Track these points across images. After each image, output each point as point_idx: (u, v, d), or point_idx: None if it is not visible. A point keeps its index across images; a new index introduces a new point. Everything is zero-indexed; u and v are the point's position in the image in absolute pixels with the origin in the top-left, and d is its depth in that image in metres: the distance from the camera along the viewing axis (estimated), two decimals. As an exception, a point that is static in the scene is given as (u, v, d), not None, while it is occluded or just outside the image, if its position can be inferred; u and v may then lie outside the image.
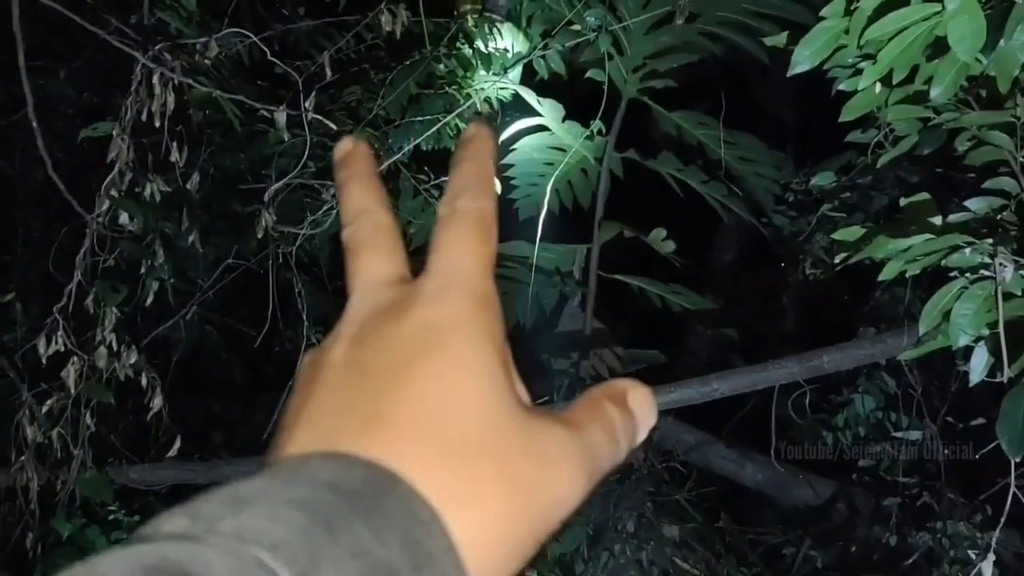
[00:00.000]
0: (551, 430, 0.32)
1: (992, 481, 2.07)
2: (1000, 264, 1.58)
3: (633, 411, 0.36)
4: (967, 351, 1.72)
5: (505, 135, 2.98)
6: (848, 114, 1.80)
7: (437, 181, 2.85)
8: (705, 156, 3.07)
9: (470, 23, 2.97)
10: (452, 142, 2.86)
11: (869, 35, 1.57)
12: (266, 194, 2.63)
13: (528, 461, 0.31)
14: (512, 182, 3.08)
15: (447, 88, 2.93)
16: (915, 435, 2.78)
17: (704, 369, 2.54)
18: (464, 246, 0.35)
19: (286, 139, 2.59)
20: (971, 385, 1.71)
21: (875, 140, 2.04)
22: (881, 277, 1.76)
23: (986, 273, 1.61)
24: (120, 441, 2.82)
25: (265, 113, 2.53)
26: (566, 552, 2.71)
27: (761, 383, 2.46)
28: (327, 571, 0.24)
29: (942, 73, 1.60)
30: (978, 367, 1.69)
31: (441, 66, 2.94)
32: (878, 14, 1.57)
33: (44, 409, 2.46)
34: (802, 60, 1.69)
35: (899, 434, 2.82)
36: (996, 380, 1.64)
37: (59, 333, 2.40)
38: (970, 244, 1.62)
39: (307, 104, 2.45)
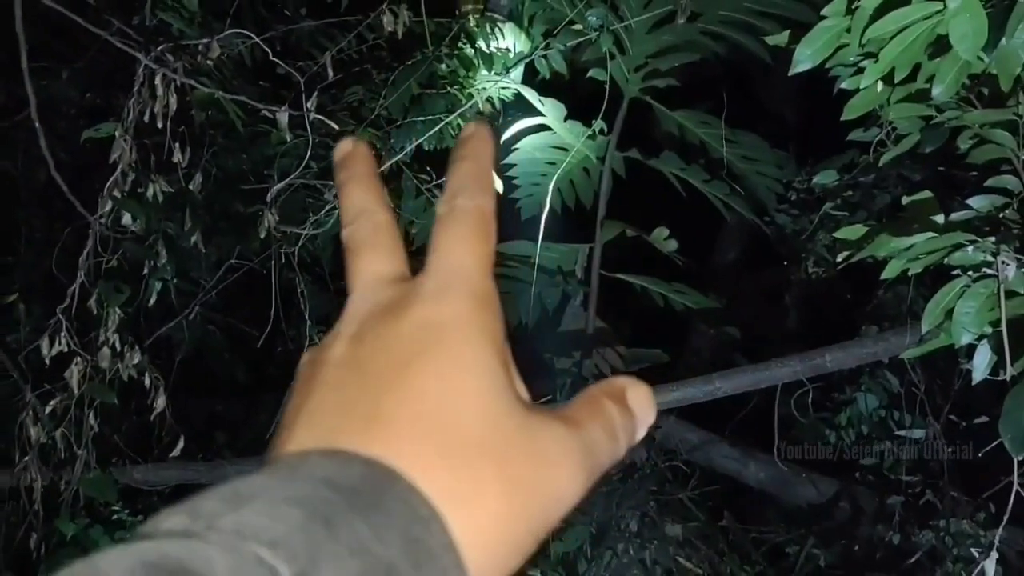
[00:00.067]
0: (550, 428, 0.32)
1: (995, 479, 2.07)
2: (1002, 262, 1.58)
3: (632, 409, 0.36)
4: (970, 349, 1.72)
5: (507, 135, 2.98)
6: (850, 113, 1.80)
7: (439, 181, 2.85)
8: (707, 155, 3.07)
9: (472, 23, 2.97)
10: (454, 142, 2.85)
11: (871, 34, 1.57)
12: (268, 194, 2.63)
13: (527, 459, 0.31)
14: (514, 182, 3.07)
15: (449, 88, 2.93)
16: (918, 433, 2.78)
17: (707, 368, 2.54)
18: (463, 245, 0.35)
19: (288, 139, 2.59)
20: (974, 383, 1.71)
21: (877, 139, 2.04)
22: (884, 275, 1.76)
23: (988, 271, 1.61)
24: (123, 441, 2.82)
25: (267, 113, 2.53)
26: (569, 551, 2.71)
27: (764, 382, 2.47)
28: (327, 568, 0.24)
29: (944, 71, 1.60)
30: (981, 365, 1.69)
31: (443, 66, 2.94)
32: (879, 13, 1.56)
33: (48, 410, 2.47)
34: (804, 59, 1.69)
35: (902, 432, 2.82)
36: (999, 378, 1.64)
37: (62, 334, 2.41)
38: (972, 242, 1.61)
39: (309, 104, 2.45)
